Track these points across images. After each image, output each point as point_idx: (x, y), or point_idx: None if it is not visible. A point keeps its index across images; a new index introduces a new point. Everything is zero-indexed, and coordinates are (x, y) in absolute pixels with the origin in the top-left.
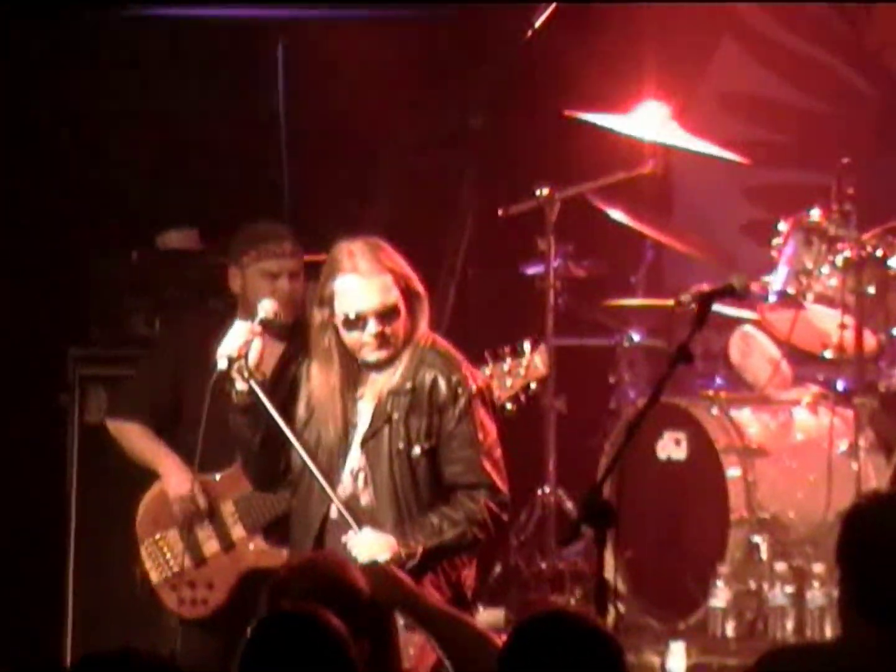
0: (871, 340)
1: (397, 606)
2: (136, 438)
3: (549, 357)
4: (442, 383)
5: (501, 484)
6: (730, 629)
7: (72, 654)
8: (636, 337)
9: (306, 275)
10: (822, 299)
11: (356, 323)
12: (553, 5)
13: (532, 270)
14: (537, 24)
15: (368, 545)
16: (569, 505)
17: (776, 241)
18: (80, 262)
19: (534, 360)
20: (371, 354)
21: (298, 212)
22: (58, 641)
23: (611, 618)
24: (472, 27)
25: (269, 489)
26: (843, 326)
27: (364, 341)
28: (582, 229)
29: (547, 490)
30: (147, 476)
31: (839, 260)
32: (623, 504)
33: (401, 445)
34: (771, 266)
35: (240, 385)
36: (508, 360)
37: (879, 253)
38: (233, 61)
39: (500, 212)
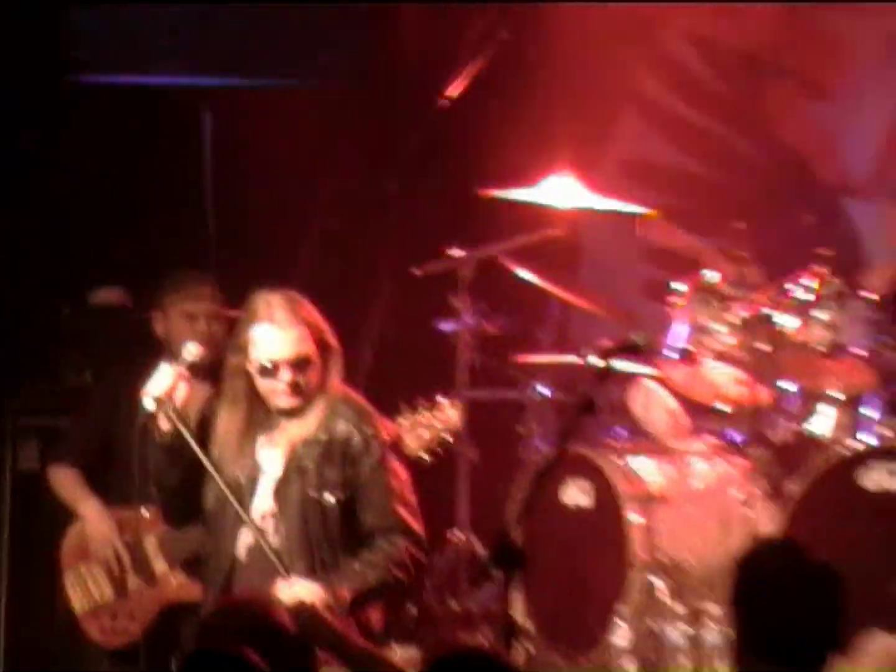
0: (763, 394)
1: (322, 645)
2: (63, 482)
3: (461, 410)
4: (356, 435)
5: (417, 527)
6: (630, 666)
7: None
8: (544, 390)
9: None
10: (717, 355)
11: (270, 371)
12: (470, 73)
13: (446, 327)
14: (450, 92)
15: (299, 588)
16: (479, 548)
17: (674, 300)
18: (14, 316)
19: (447, 412)
20: (283, 401)
21: (223, 270)
22: None
23: (519, 655)
24: (388, 97)
25: (181, 527)
26: (738, 381)
27: (277, 389)
28: (493, 288)
29: (459, 534)
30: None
31: (734, 319)
32: (531, 548)
33: (313, 494)
34: (669, 324)
35: (164, 425)
36: (424, 411)
37: (772, 313)
38: (163, 126)
39: (416, 271)
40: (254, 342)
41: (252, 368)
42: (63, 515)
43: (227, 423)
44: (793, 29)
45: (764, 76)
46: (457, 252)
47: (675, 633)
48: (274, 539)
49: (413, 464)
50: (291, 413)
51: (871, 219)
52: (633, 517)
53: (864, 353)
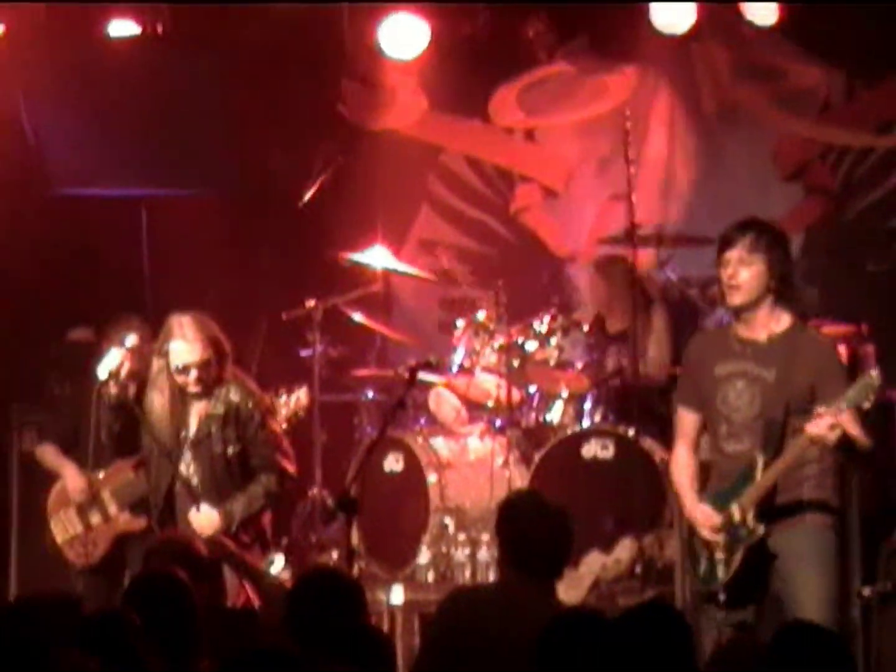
0: (516, 395)
1: (225, 562)
2: (48, 455)
3: (309, 395)
4: (246, 405)
5: (289, 466)
6: (430, 577)
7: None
8: (371, 394)
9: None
10: (485, 369)
11: (183, 371)
12: (319, 182)
13: (305, 353)
14: (306, 198)
15: (204, 519)
16: (329, 499)
17: (456, 332)
18: (17, 349)
19: (300, 396)
20: (193, 390)
21: (156, 317)
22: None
23: (356, 570)
24: (256, 201)
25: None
26: (499, 386)
27: (189, 381)
28: (336, 326)
29: (315, 490)
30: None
31: (496, 345)
32: (363, 499)
33: (219, 449)
34: (453, 348)
35: (112, 390)
36: (284, 396)
37: (521, 340)
38: (108, 224)
39: (284, 315)
40: (171, 352)
41: (171, 369)
42: (49, 481)
43: (157, 405)
44: (532, 149)
45: (513, 182)
46: (310, 302)
47: (460, 554)
48: (193, 478)
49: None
50: (199, 396)
51: (585, 277)
52: (431, 478)
53: (580, 366)
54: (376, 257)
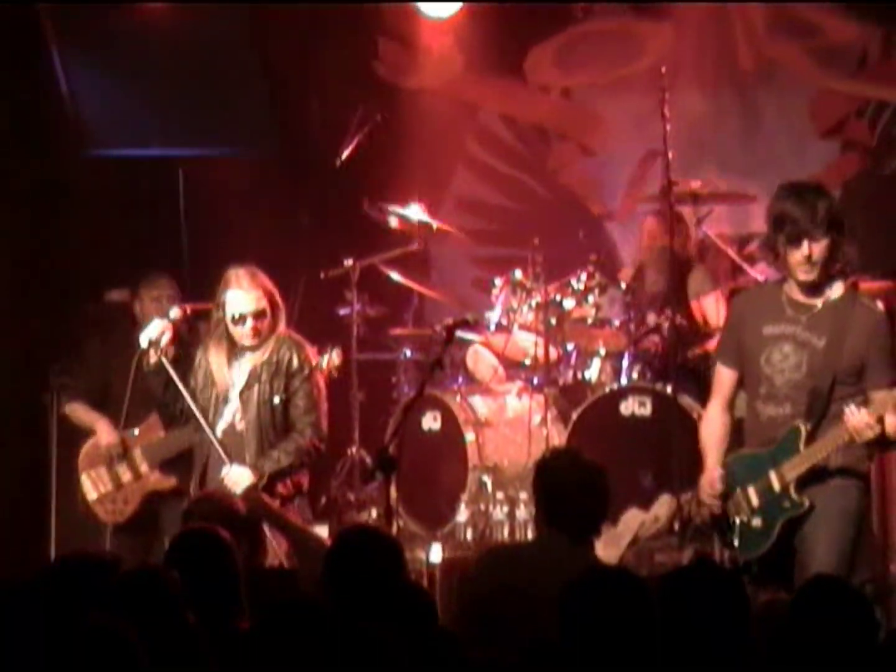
0: (553, 353)
1: (264, 519)
2: (79, 412)
3: (342, 355)
4: (294, 359)
5: (323, 425)
6: (469, 535)
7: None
8: (408, 353)
9: (199, 315)
10: (523, 327)
11: (239, 320)
12: (356, 141)
13: (343, 311)
14: (343, 156)
15: (237, 477)
16: (368, 458)
17: (494, 291)
18: (54, 311)
19: (332, 356)
20: (248, 341)
21: (194, 278)
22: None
23: (394, 528)
24: (293, 161)
25: (171, 425)
26: (536, 345)
27: (244, 332)
28: (373, 285)
29: (354, 449)
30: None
31: (533, 303)
32: (402, 457)
33: (266, 396)
34: (490, 307)
35: (153, 358)
36: (319, 355)
37: (558, 298)
38: (149, 184)
39: (322, 275)
40: (227, 302)
41: (227, 319)
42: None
43: (214, 355)
44: (568, 107)
45: (549, 140)
46: (348, 262)
47: (498, 512)
48: (241, 425)
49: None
50: (253, 348)
51: (623, 235)
52: (469, 436)
53: (618, 323)
54: (412, 214)
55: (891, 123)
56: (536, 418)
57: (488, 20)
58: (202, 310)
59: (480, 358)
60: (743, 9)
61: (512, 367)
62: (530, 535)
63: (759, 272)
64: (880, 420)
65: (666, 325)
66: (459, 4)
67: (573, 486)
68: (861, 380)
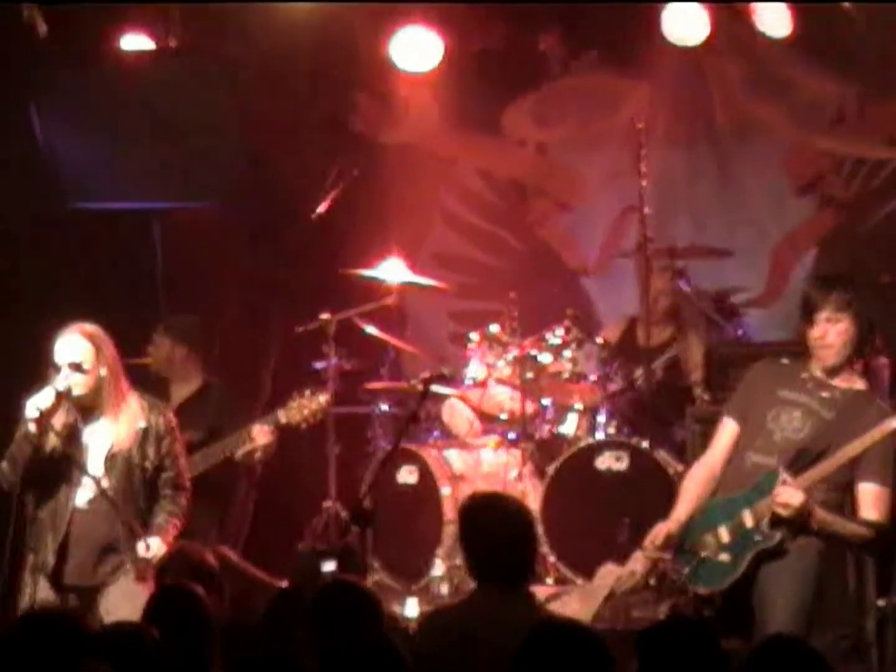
0: (529, 407)
1: (229, 573)
2: None
3: (328, 398)
4: (160, 422)
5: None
6: (444, 589)
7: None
8: (384, 406)
9: None
10: (499, 381)
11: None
12: (332, 195)
13: (319, 365)
14: (319, 210)
15: (156, 549)
16: (343, 512)
17: (470, 345)
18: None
19: (318, 398)
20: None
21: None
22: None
23: (370, 581)
24: (270, 214)
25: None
26: (513, 399)
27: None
28: (349, 339)
29: (329, 503)
30: None
31: (509, 357)
32: (378, 511)
33: (136, 462)
34: (466, 361)
35: (32, 428)
36: (308, 393)
37: (534, 352)
38: (126, 236)
39: (298, 329)
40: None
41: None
42: None
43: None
44: (545, 163)
45: (526, 195)
46: (325, 315)
47: None
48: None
49: (296, 455)
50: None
51: (599, 290)
52: (445, 490)
53: (594, 378)
54: (390, 271)
55: (868, 179)
56: (513, 472)
57: (466, 74)
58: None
59: (456, 412)
60: (719, 66)
61: (488, 421)
62: None
63: (735, 327)
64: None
65: (654, 377)
66: (437, 58)
67: (498, 534)
68: (850, 471)
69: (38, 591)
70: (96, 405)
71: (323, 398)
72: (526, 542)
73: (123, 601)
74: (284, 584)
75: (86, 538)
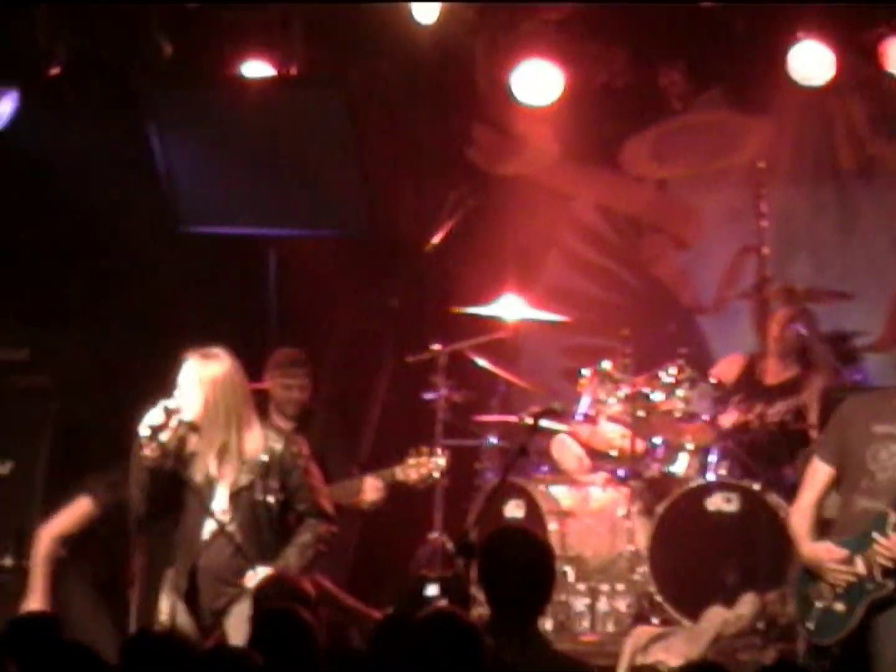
0: (640, 445)
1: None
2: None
3: (447, 458)
4: (286, 453)
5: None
6: (549, 625)
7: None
8: (493, 440)
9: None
10: (610, 418)
11: None
12: (447, 226)
13: (429, 396)
14: (434, 241)
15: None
16: (448, 544)
17: (581, 381)
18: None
19: (438, 459)
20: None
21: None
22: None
23: (474, 613)
24: (389, 244)
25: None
26: (623, 436)
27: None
28: (460, 371)
29: (435, 534)
30: None
31: (621, 394)
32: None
33: (259, 497)
34: (578, 397)
35: (149, 451)
36: (423, 456)
37: (647, 390)
38: (239, 262)
39: (409, 359)
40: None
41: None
42: None
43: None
44: (663, 200)
45: (643, 231)
46: (436, 347)
47: (578, 603)
48: (231, 526)
49: (404, 489)
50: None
51: (713, 329)
52: (552, 525)
53: (706, 418)
54: (504, 308)
55: None
56: (620, 510)
57: (585, 109)
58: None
59: (566, 448)
60: (844, 105)
61: (597, 458)
62: (611, 628)
63: (853, 371)
64: None
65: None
66: (557, 92)
67: (511, 566)
68: None
69: (178, 614)
70: (218, 435)
71: (441, 460)
72: (544, 576)
73: (241, 626)
74: (378, 614)
75: (210, 569)
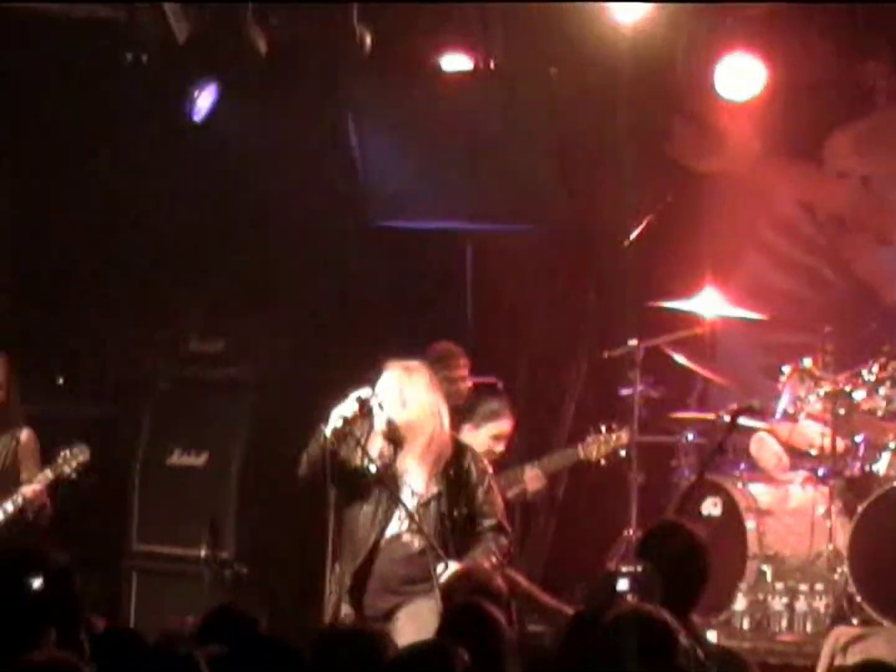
0: (840, 444)
1: (517, 597)
2: None
3: (630, 434)
4: (471, 468)
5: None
6: (745, 624)
7: None
8: (690, 436)
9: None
10: (809, 416)
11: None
12: (646, 221)
13: (625, 392)
14: (632, 235)
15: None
16: None
17: (781, 378)
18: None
19: (621, 435)
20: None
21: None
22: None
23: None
24: (582, 238)
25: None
26: (824, 434)
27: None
28: (657, 367)
29: (630, 531)
30: None
31: (821, 392)
32: None
33: (444, 509)
34: (777, 394)
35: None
36: (605, 433)
37: (848, 388)
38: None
39: (605, 355)
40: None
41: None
42: None
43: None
44: (867, 196)
45: (846, 228)
46: (633, 342)
47: (777, 602)
48: (407, 535)
49: (598, 482)
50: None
51: None
52: (749, 524)
53: None
54: (702, 303)
55: None
56: (820, 509)
57: (787, 104)
58: (484, 383)
59: (765, 445)
60: None
61: (797, 456)
62: (809, 628)
63: None
64: None
65: None
66: (760, 87)
67: (668, 560)
68: None
69: (342, 608)
70: (411, 445)
71: (624, 435)
72: (699, 567)
73: (409, 622)
74: (571, 610)
75: (383, 571)
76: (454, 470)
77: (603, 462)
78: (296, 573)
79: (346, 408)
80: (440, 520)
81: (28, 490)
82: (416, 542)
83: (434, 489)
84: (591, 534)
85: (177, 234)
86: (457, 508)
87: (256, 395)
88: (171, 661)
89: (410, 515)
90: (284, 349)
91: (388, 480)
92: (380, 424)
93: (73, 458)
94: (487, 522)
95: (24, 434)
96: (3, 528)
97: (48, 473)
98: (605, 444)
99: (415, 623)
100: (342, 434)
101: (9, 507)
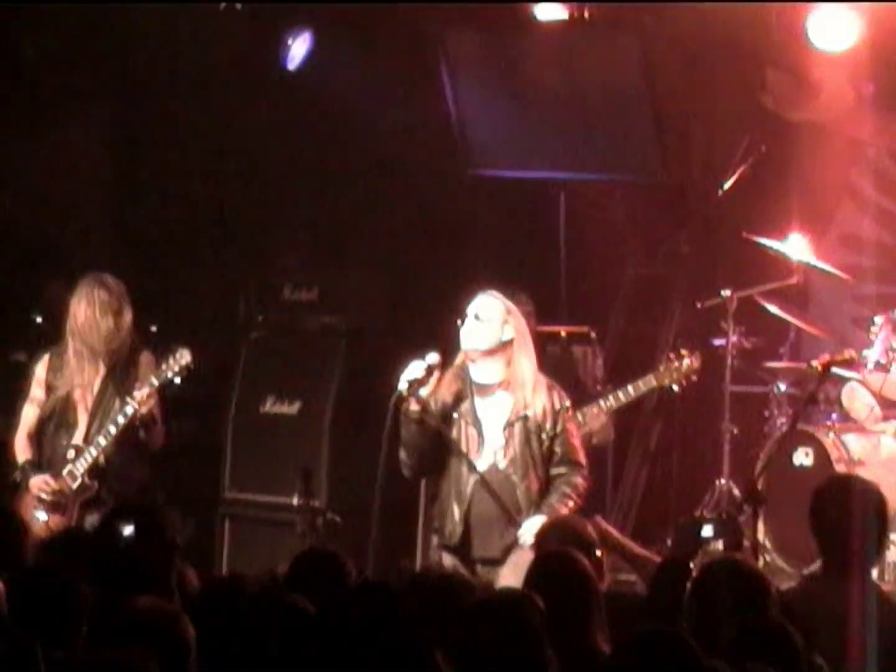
0: None
1: (608, 548)
2: None
3: (699, 359)
4: (549, 406)
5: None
6: None
7: None
8: (783, 387)
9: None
10: None
11: None
12: (739, 171)
13: (718, 342)
14: (726, 186)
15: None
16: (735, 491)
17: (873, 328)
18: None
19: (693, 360)
20: None
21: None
22: None
23: (761, 562)
24: (675, 189)
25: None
26: None
27: None
28: (750, 317)
29: (723, 481)
30: None
31: None
32: (771, 492)
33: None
34: (869, 344)
35: (412, 405)
36: (675, 359)
37: None
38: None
39: (698, 304)
40: None
41: None
42: None
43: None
44: None
45: None
46: (726, 292)
47: None
48: (503, 462)
49: (692, 431)
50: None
51: None
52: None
53: None
54: (793, 247)
55: None
56: None
57: (883, 54)
58: (576, 332)
59: (857, 396)
60: None
61: (889, 407)
62: None
63: None
64: None
65: None
66: (855, 38)
67: (843, 517)
68: None
69: (444, 558)
70: (495, 375)
71: (696, 360)
72: (875, 527)
73: (511, 574)
74: (659, 558)
75: (486, 511)
76: (539, 399)
77: (676, 388)
78: (388, 523)
79: (412, 371)
80: (527, 438)
81: (137, 395)
82: (512, 469)
83: (521, 412)
84: (684, 484)
85: (272, 183)
86: (543, 432)
87: (349, 344)
88: (276, 608)
89: (476, 472)
90: (378, 298)
91: (454, 439)
92: (482, 343)
93: (175, 363)
94: (560, 451)
95: (144, 356)
96: (118, 447)
97: (153, 380)
98: (676, 370)
99: (517, 575)
100: (411, 398)
101: (120, 419)
